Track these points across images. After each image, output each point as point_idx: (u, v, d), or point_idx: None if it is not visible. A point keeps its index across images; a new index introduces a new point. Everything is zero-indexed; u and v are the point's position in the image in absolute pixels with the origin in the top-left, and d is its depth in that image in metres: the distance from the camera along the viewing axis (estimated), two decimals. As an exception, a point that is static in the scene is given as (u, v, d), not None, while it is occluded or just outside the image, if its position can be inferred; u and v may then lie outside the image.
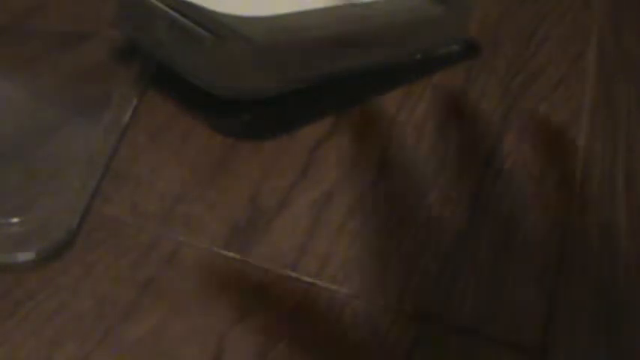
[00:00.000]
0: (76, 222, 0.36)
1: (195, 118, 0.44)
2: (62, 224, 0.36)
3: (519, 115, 0.47)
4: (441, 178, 0.41)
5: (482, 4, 0.57)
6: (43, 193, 0.37)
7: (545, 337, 0.34)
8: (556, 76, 0.51)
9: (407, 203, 0.40)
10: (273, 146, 0.42)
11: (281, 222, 0.38)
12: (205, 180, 0.40)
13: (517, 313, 0.34)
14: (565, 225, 0.39)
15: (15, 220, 0.35)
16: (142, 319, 0.32)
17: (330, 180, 0.40)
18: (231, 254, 0.36)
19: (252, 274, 0.35)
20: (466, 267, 0.36)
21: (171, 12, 0.42)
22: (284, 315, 0.33)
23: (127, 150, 0.41)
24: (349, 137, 0.44)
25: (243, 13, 0.42)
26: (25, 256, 0.34)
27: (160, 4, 0.43)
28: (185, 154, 0.41)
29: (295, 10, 0.44)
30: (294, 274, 0.35)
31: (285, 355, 0.32)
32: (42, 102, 0.43)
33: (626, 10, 0.59)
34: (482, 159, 0.43)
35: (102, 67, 0.46)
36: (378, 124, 0.45)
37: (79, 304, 0.33)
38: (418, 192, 0.40)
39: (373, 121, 0.45)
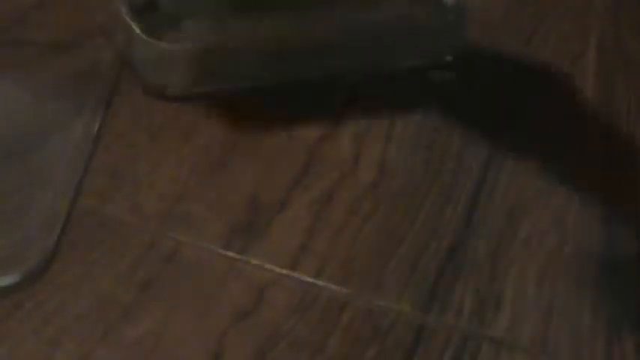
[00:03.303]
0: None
1: (195, 117, 0.44)
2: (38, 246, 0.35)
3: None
4: (440, 178, 0.41)
5: (482, 4, 0.57)
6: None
7: (546, 337, 0.34)
8: (556, 76, 0.51)
9: (407, 203, 0.40)
10: (272, 146, 0.42)
11: (281, 222, 0.38)
12: (205, 180, 0.40)
13: (519, 314, 0.34)
14: (565, 223, 0.39)
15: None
16: (142, 319, 0.32)
17: (331, 179, 0.40)
18: (231, 254, 0.36)
19: (252, 274, 0.35)
20: (466, 267, 0.36)
21: None
22: (284, 315, 0.33)
23: (126, 150, 0.41)
24: (349, 137, 0.44)
25: None
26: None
27: None
28: (185, 154, 0.41)
29: None
30: (294, 274, 0.35)
31: (285, 355, 0.32)
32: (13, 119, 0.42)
33: (626, 10, 0.59)
34: (482, 158, 0.43)
35: (79, 76, 0.45)
36: (377, 123, 0.45)
37: (79, 304, 0.33)
38: (418, 192, 0.40)
39: (371, 121, 0.45)
